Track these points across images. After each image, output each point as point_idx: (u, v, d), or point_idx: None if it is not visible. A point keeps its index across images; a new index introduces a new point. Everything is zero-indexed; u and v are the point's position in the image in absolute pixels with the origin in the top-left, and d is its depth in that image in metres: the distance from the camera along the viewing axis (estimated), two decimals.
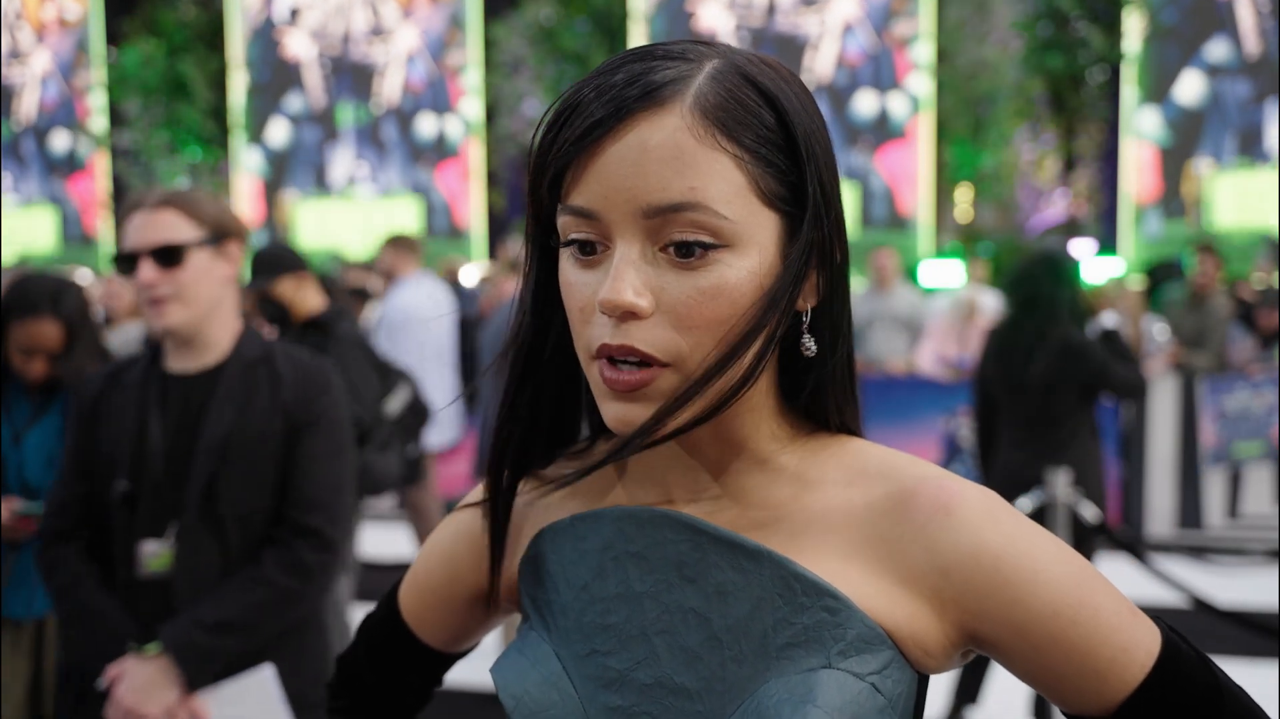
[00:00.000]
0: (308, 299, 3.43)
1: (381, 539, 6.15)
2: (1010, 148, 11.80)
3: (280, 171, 13.41)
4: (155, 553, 1.80)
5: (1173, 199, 10.56)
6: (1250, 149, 10.22)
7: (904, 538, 0.71)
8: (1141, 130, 10.71)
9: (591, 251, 0.70)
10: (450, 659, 0.95)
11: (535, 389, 0.80)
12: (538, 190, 0.72)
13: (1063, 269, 3.54)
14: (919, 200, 11.39)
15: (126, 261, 1.81)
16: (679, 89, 0.67)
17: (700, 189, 0.66)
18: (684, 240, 0.67)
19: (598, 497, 0.82)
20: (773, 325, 0.70)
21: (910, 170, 11.30)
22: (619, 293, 0.67)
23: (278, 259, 3.45)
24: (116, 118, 14.49)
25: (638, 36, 12.18)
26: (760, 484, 0.76)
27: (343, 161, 13.08)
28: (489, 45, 13.03)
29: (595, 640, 0.77)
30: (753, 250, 0.68)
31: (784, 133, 0.69)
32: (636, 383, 0.68)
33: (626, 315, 0.67)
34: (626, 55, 0.71)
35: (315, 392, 1.90)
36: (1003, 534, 0.70)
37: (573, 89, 0.70)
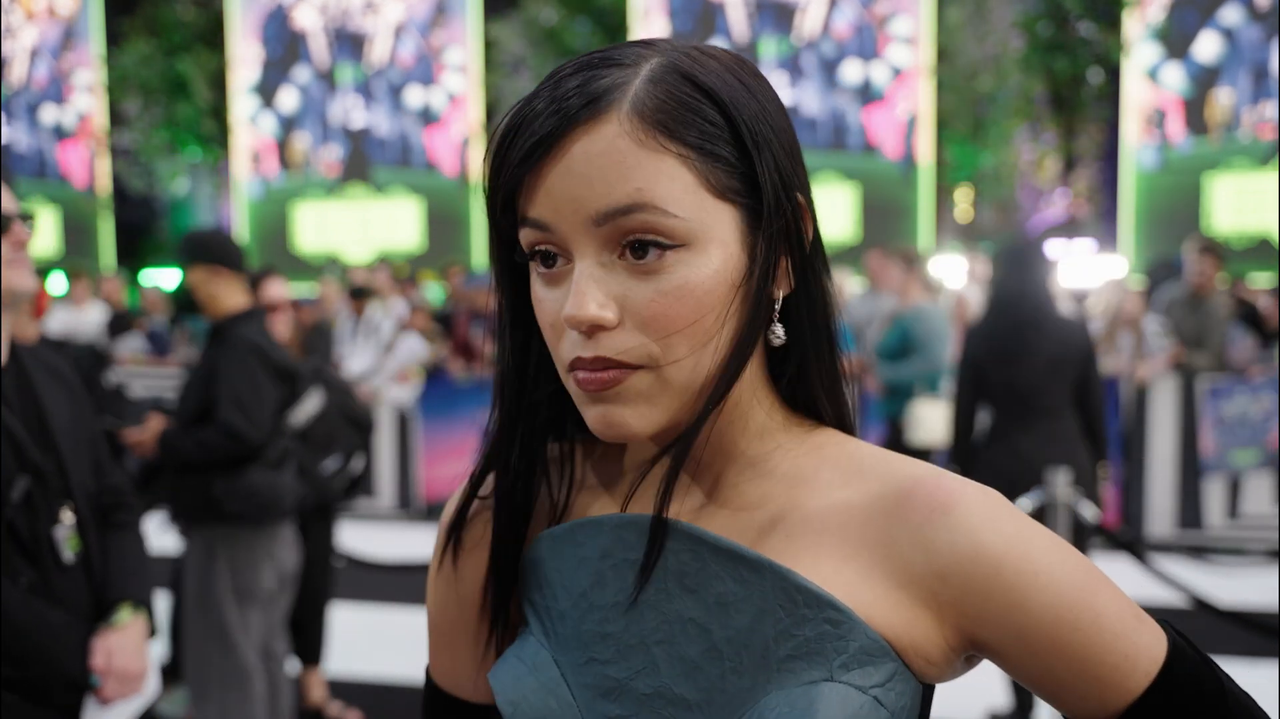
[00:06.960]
0: (222, 297, 3.07)
1: (380, 539, 6.15)
2: (1010, 148, 11.79)
3: (290, 130, 13.91)
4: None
5: (1197, 122, 11.16)
6: (1260, 84, 10.93)
7: (900, 540, 0.69)
8: (1165, 82, 11.16)
9: (553, 264, 0.70)
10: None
11: (532, 405, 0.79)
12: (494, 211, 0.72)
13: (1026, 259, 3.54)
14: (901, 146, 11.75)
15: None
16: (615, 97, 0.67)
17: (646, 189, 0.66)
18: (639, 240, 0.67)
19: (589, 503, 0.80)
20: (747, 316, 0.69)
21: (888, 123, 11.70)
22: (582, 308, 0.66)
23: (195, 246, 3.09)
24: (116, 118, 14.47)
25: (640, 35, 12.15)
26: (752, 486, 0.75)
27: (340, 104, 13.71)
28: (489, 45, 13.01)
29: (594, 649, 0.75)
30: (713, 247, 0.68)
31: (729, 126, 0.68)
32: (609, 380, 0.68)
33: (593, 329, 0.67)
34: (568, 66, 0.70)
35: None
36: (1002, 535, 0.68)
37: (517, 106, 0.70)
